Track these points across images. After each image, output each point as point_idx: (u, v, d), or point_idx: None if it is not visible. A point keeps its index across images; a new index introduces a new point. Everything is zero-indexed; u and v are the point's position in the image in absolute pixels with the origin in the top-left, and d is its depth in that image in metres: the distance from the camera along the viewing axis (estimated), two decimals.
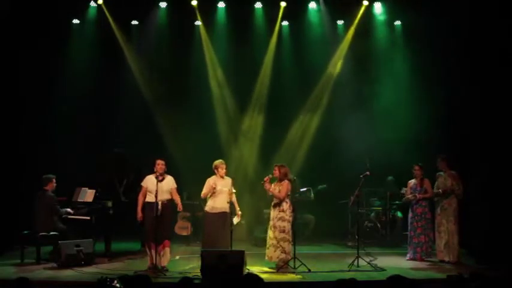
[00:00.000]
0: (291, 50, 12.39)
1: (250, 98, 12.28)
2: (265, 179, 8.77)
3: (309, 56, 12.20)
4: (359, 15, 11.88)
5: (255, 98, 12.33)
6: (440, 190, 9.36)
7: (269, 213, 8.95)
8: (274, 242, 8.60)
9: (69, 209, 9.43)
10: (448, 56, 10.91)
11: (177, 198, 8.62)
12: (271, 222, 8.74)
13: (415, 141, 11.23)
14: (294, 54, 12.36)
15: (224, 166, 8.81)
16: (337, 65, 12.19)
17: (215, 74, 12.22)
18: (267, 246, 8.70)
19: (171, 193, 8.55)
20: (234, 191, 8.83)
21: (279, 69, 12.34)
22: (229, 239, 8.30)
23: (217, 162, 8.86)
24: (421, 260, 9.28)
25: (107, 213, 9.27)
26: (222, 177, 8.78)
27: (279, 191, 8.70)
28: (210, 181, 8.76)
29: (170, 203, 8.54)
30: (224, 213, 8.58)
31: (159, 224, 8.19)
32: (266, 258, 8.70)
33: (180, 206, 8.65)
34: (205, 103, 12.23)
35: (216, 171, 8.80)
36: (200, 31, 12.11)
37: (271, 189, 8.74)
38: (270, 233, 8.71)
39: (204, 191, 8.75)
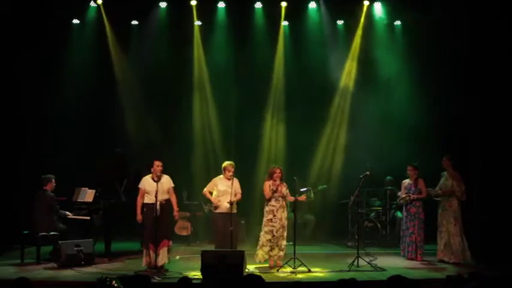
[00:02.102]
0: (294, 51, 12.33)
1: (252, 99, 12.22)
2: (276, 184, 8.72)
3: (313, 58, 12.14)
4: (363, 18, 11.88)
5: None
6: (440, 191, 9.35)
7: None
8: (280, 242, 8.60)
9: (67, 212, 9.44)
10: (448, 56, 10.91)
11: (174, 200, 8.61)
12: (280, 223, 8.65)
13: (415, 142, 11.23)
14: (298, 56, 12.27)
15: (232, 169, 8.86)
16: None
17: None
18: (270, 247, 8.62)
19: (168, 192, 8.57)
20: (239, 191, 8.89)
21: (287, 73, 12.33)
22: (235, 239, 8.41)
23: (226, 163, 8.95)
24: (419, 260, 9.29)
25: (111, 212, 9.27)
26: (228, 178, 8.81)
27: (287, 193, 8.79)
28: (217, 180, 8.91)
29: (168, 203, 8.55)
30: (228, 214, 8.61)
31: (158, 225, 8.22)
32: (270, 260, 8.64)
33: (176, 212, 8.63)
34: (205, 103, 12.23)
35: (223, 171, 8.88)
36: (194, 32, 12.09)
37: (282, 192, 8.74)
38: (278, 234, 8.62)
39: (207, 188, 8.94)
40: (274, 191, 8.72)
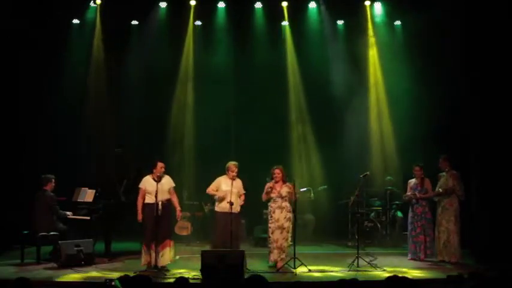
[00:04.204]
0: (293, 52, 12.38)
1: (252, 99, 12.21)
2: (270, 186, 8.71)
3: (313, 58, 12.17)
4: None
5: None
6: (440, 189, 9.35)
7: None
8: (279, 244, 8.58)
9: (68, 212, 9.44)
10: (448, 56, 10.90)
11: (175, 200, 8.64)
12: (276, 224, 8.64)
13: (415, 142, 11.24)
14: (298, 56, 12.32)
15: (236, 169, 8.84)
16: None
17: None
18: (271, 249, 8.61)
19: (169, 193, 8.57)
20: (244, 191, 8.90)
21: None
22: (236, 239, 8.47)
23: (230, 163, 8.92)
24: (422, 260, 9.29)
25: (111, 212, 9.27)
26: (231, 178, 8.81)
27: (288, 193, 8.71)
28: (221, 180, 8.88)
29: (169, 202, 8.57)
30: (229, 213, 8.60)
31: (159, 224, 8.23)
32: (270, 261, 8.62)
33: (178, 212, 8.67)
34: (205, 103, 12.22)
35: (227, 171, 8.87)
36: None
37: (280, 192, 8.70)
38: (275, 236, 8.60)
39: (210, 187, 8.91)
40: (269, 192, 8.71)
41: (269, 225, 8.76)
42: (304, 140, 12.30)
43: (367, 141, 11.85)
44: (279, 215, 8.67)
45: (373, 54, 12.11)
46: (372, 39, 12.05)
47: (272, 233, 8.64)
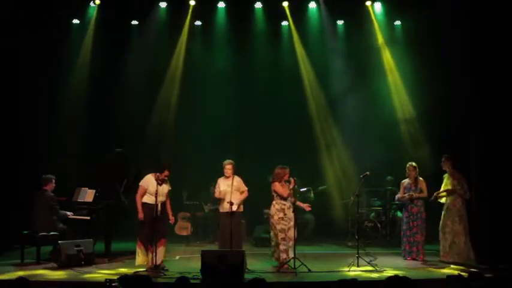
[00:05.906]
0: (293, 51, 12.38)
1: (252, 99, 12.22)
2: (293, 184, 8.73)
3: (313, 57, 12.21)
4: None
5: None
6: (440, 190, 9.34)
7: (269, 214, 8.92)
8: (289, 242, 8.60)
9: (68, 212, 9.43)
10: (448, 56, 10.90)
11: (168, 204, 8.68)
12: (291, 223, 8.62)
13: (415, 141, 11.25)
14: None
15: (229, 166, 8.88)
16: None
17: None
18: (287, 247, 8.55)
19: (166, 195, 8.65)
20: (245, 188, 8.91)
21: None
22: (238, 238, 8.55)
23: (223, 162, 8.94)
24: (421, 259, 9.28)
25: (111, 212, 9.27)
26: (227, 177, 8.83)
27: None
28: (220, 180, 8.97)
29: (165, 204, 8.66)
30: (228, 213, 8.64)
31: (157, 225, 8.27)
32: (286, 257, 8.55)
33: (171, 217, 8.69)
34: (205, 103, 12.22)
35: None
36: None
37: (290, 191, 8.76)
38: (291, 233, 8.59)
39: (216, 190, 9.03)
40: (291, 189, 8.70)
41: (283, 223, 8.60)
42: (305, 140, 12.31)
43: (368, 141, 11.84)
44: (291, 214, 8.69)
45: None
46: (379, 38, 12.06)
47: (288, 230, 8.60)
